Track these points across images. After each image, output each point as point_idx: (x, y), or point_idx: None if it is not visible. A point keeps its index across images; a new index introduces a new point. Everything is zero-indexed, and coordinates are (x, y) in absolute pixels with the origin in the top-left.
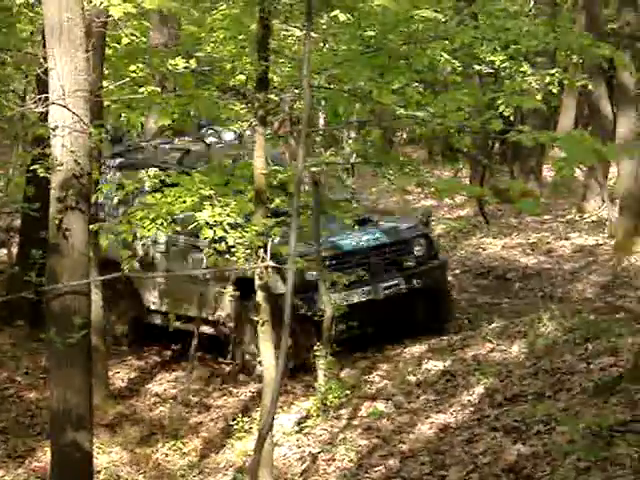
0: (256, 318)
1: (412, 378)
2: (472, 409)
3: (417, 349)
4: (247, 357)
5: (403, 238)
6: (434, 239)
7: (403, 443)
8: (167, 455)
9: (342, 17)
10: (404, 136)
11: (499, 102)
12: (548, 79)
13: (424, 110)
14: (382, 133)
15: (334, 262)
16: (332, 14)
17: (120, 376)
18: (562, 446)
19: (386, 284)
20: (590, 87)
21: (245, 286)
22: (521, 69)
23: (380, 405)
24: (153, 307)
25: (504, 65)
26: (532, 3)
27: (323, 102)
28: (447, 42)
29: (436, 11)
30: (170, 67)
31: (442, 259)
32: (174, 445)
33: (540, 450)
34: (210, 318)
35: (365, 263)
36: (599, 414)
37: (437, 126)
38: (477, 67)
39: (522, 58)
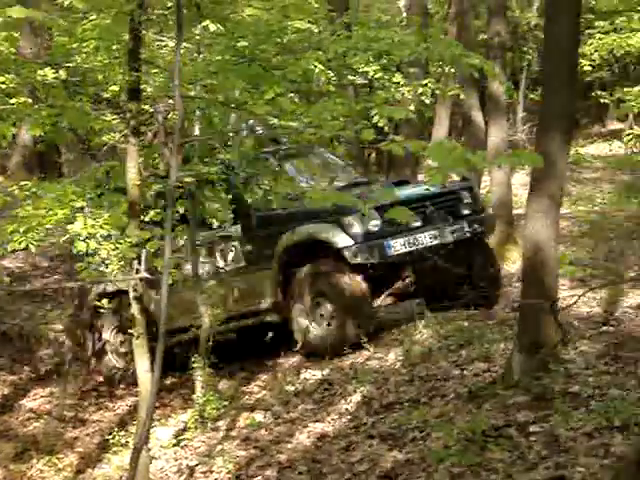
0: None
1: (290, 388)
2: (349, 417)
3: (295, 359)
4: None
5: (452, 189)
6: (479, 195)
7: (281, 453)
8: (42, 471)
9: (212, 27)
10: None
11: (374, 112)
12: (421, 89)
13: (298, 120)
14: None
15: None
16: (203, 24)
17: None
18: (437, 452)
19: (452, 227)
20: (462, 97)
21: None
22: (394, 79)
23: (258, 416)
24: None
25: (377, 76)
26: (404, 14)
27: (198, 112)
28: (321, 52)
29: (310, 22)
30: (40, 78)
31: (489, 214)
32: (49, 461)
33: (415, 456)
34: None
35: (422, 212)
36: (473, 419)
37: (311, 136)
38: (351, 77)
39: (395, 69)
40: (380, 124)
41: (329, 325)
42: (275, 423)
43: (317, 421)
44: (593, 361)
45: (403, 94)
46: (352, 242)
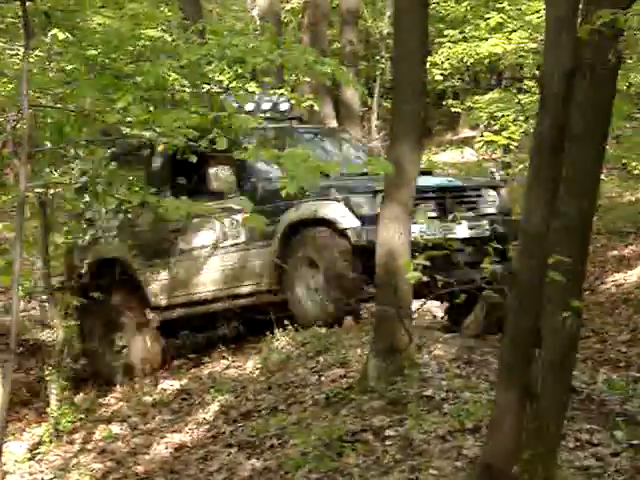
0: None
1: (148, 399)
2: (207, 427)
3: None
4: None
5: (476, 184)
6: (506, 194)
7: (138, 465)
8: None
9: (61, 36)
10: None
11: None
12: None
13: (150, 129)
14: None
15: None
16: (51, 33)
17: None
18: (294, 459)
19: (470, 223)
20: (316, 107)
21: None
22: (249, 88)
23: (115, 427)
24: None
25: (232, 85)
26: (258, 22)
27: (50, 121)
28: (174, 60)
29: (163, 30)
30: None
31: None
32: None
33: (273, 464)
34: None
35: (441, 203)
36: (330, 425)
37: (163, 144)
38: (207, 86)
39: (249, 77)
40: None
41: (320, 297)
42: (132, 434)
43: (175, 431)
44: (447, 365)
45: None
46: (358, 223)
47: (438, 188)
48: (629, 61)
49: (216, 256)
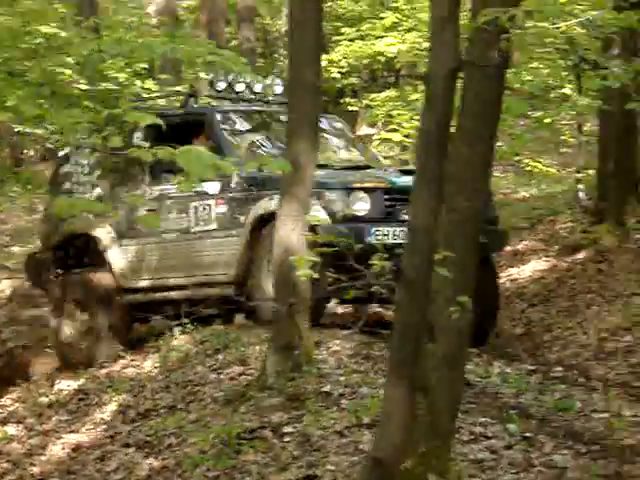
0: None
1: (44, 399)
2: (105, 427)
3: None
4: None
5: None
6: (494, 202)
7: (34, 466)
8: None
9: None
10: (37, 153)
11: (125, 118)
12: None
13: (42, 127)
14: (10, 150)
15: (385, 196)
16: None
17: None
18: (192, 457)
19: None
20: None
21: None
22: (146, 85)
23: (10, 429)
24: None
25: (126, 83)
26: (154, 20)
27: None
28: (68, 57)
29: (58, 26)
30: None
31: (501, 228)
32: None
33: (171, 463)
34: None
35: None
36: (228, 423)
37: (56, 142)
38: (104, 84)
39: (146, 74)
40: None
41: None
42: (28, 435)
43: (72, 432)
44: (345, 360)
45: (155, 100)
46: (329, 220)
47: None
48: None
49: (186, 242)
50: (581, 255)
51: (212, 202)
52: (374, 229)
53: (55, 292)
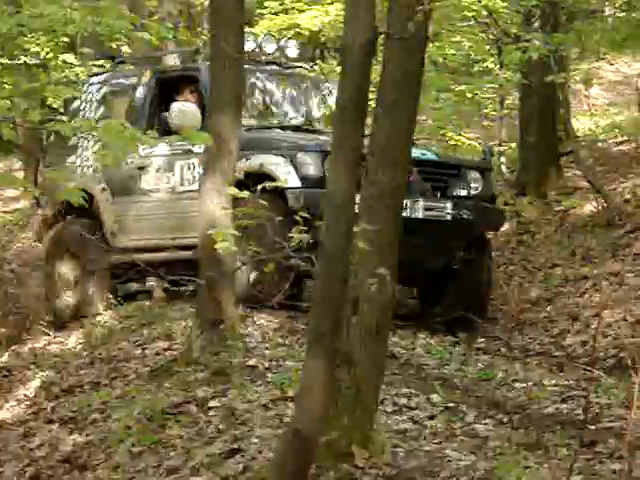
0: None
1: None
2: (28, 403)
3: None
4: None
5: (458, 162)
6: (493, 179)
7: None
8: None
9: None
10: None
11: (46, 93)
12: (95, 70)
13: None
14: None
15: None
16: None
17: None
18: (117, 433)
19: (427, 203)
20: None
21: None
22: (67, 60)
23: None
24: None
25: (49, 56)
26: None
27: None
28: None
29: None
30: None
31: (501, 207)
32: None
33: (96, 439)
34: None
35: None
36: (153, 398)
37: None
38: (24, 58)
39: (68, 49)
40: (55, 105)
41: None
42: None
43: None
44: (270, 334)
45: (77, 74)
46: (299, 184)
47: None
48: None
49: (171, 202)
50: (503, 227)
51: (196, 161)
52: None
53: (50, 241)
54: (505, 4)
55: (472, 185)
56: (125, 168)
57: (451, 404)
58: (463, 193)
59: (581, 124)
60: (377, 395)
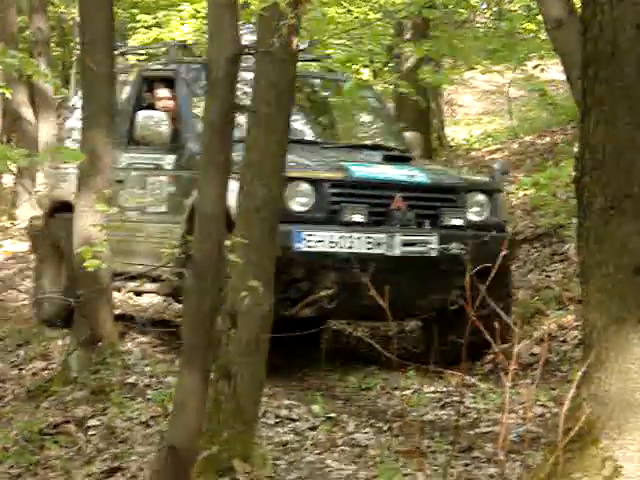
0: None
1: None
2: None
3: None
4: None
5: (453, 186)
6: (502, 202)
7: None
8: None
9: None
10: None
11: None
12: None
13: None
14: None
15: (334, 190)
16: None
17: None
18: None
19: (407, 237)
20: (8, 96)
21: None
22: None
23: None
24: None
25: None
26: None
27: None
28: None
29: None
30: None
31: (511, 235)
32: None
33: None
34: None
35: (383, 204)
36: (31, 419)
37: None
38: None
39: None
40: None
41: None
42: None
43: None
44: (150, 351)
45: None
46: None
47: (383, 183)
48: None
49: (142, 223)
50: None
51: (165, 179)
52: (305, 233)
53: (39, 237)
54: (378, 15)
55: (474, 211)
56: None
57: (332, 414)
58: (458, 222)
59: (455, 133)
60: (257, 408)
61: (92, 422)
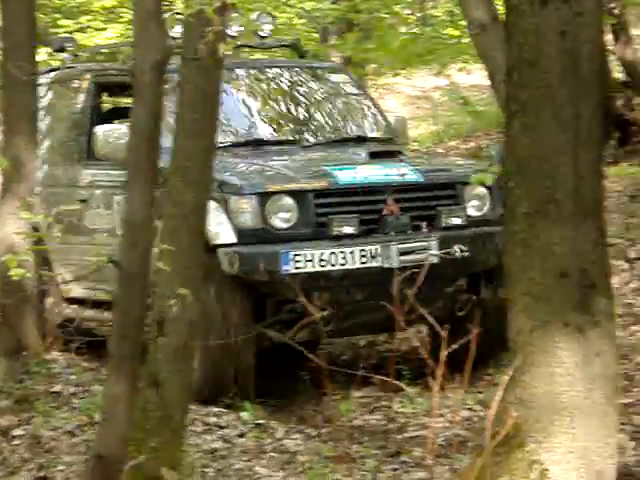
0: None
1: None
2: None
3: None
4: None
5: (450, 180)
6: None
7: None
8: None
9: None
10: None
11: None
12: None
13: None
14: None
15: (319, 201)
16: None
17: None
18: None
19: (404, 245)
20: None
21: None
22: None
23: None
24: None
25: None
26: None
27: None
28: None
29: None
30: None
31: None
32: None
33: None
34: None
35: (374, 210)
36: None
37: None
38: None
39: None
40: None
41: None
42: None
43: None
44: (76, 359)
45: None
46: (235, 239)
47: (371, 186)
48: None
49: (112, 247)
50: None
51: None
52: (292, 253)
53: None
54: (303, 20)
55: (473, 205)
56: (71, 200)
57: (261, 421)
58: (457, 221)
59: None
60: (185, 416)
61: (17, 432)
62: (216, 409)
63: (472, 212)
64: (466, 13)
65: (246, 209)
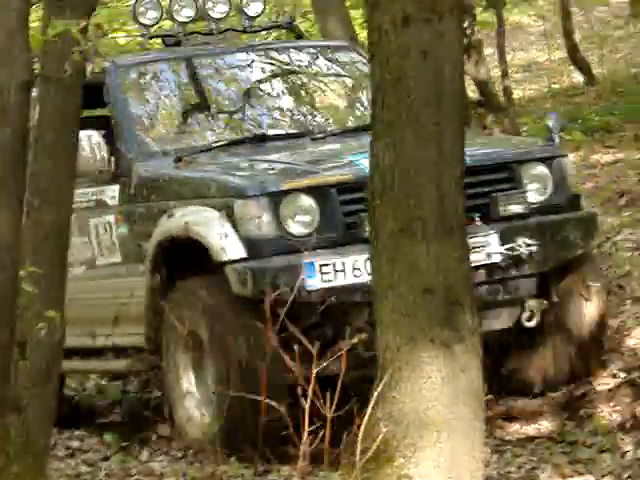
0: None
1: None
2: None
3: None
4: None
5: (504, 159)
6: (568, 169)
7: None
8: None
9: None
10: None
11: None
12: None
13: None
14: None
15: (345, 197)
16: None
17: None
18: None
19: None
20: None
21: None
22: None
23: None
24: None
25: None
26: None
27: None
28: None
29: None
30: None
31: (589, 212)
32: None
33: None
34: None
35: None
36: None
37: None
38: None
39: None
40: None
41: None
42: None
43: None
44: None
45: None
46: (244, 253)
47: None
48: None
49: (91, 281)
50: None
51: (111, 218)
52: (318, 264)
53: None
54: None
55: (534, 188)
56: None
57: (124, 443)
58: (518, 209)
59: None
60: (48, 440)
61: None
62: (78, 432)
63: (533, 197)
64: (323, 34)
65: (255, 214)
